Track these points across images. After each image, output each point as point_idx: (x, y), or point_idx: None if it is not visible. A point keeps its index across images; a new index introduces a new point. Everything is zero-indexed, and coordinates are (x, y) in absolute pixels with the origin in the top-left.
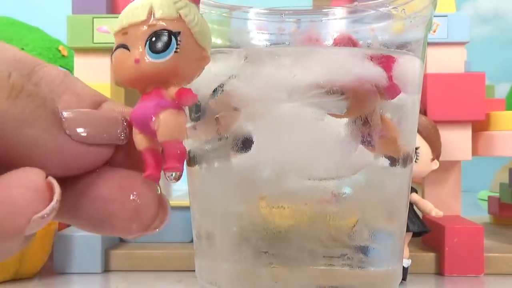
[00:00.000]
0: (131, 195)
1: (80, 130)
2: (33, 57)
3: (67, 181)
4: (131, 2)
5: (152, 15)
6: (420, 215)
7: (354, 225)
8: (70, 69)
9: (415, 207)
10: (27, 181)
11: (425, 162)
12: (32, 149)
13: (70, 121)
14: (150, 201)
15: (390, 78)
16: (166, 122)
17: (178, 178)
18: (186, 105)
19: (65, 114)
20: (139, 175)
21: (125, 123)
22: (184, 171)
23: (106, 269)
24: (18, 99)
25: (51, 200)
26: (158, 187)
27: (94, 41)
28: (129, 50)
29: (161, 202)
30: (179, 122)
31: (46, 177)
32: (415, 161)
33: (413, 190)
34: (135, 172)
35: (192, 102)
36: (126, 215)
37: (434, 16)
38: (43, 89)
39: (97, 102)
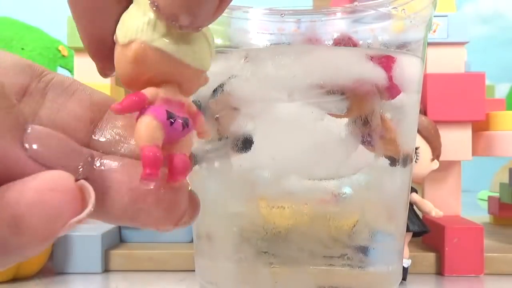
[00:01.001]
0: (162, 191)
1: (35, 146)
2: (43, 67)
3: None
4: None
5: None
6: (420, 215)
7: (354, 225)
8: (70, 69)
9: (415, 207)
10: (59, 184)
11: (425, 162)
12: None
13: (31, 135)
14: (180, 197)
15: (390, 78)
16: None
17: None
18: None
19: (30, 127)
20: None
21: (89, 159)
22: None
23: (106, 269)
24: None
25: (83, 202)
26: (188, 185)
27: None
28: None
29: (191, 199)
30: (137, 128)
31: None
32: (415, 161)
33: (413, 190)
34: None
35: (128, 107)
36: (157, 209)
37: (434, 16)
38: (52, 91)
39: (106, 105)
